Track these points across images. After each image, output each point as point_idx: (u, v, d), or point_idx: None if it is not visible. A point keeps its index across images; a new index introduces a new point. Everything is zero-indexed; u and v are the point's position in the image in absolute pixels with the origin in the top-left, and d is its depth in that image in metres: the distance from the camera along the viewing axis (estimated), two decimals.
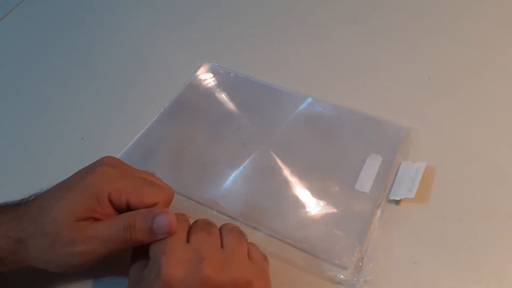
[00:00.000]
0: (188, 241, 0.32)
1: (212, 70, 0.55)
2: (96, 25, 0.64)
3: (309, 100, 0.50)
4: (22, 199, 0.35)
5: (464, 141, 0.46)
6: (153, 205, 0.34)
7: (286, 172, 0.44)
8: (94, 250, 0.32)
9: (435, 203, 0.41)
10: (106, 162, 0.36)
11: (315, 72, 0.54)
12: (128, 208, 0.34)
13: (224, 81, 0.53)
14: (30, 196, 0.35)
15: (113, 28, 0.63)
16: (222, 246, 0.33)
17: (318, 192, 0.42)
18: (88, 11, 0.66)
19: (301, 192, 0.43)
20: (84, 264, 0.33)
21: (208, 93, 0.52)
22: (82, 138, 0.50)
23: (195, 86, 0.53)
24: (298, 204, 0.42)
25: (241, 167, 0.45)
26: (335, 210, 0.41)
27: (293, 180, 0.44)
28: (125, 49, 0.60)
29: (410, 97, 0.50)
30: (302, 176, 0.44)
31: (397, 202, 0.41)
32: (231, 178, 0.44)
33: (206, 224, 0.34)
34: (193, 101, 0.52)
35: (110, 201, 0.34)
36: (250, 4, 0.64)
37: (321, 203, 0.42)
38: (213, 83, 0.53)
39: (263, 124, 0.49)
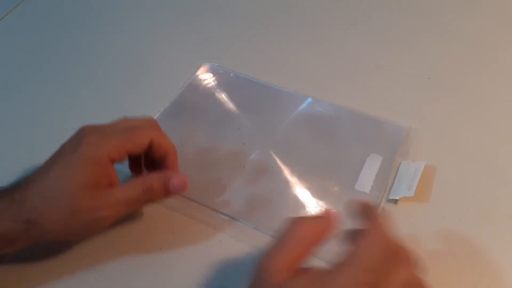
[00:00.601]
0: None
1: (212, 70, 0.55)
2: (96, 25, 0.64)
3: (309, 100, 0.50)
4: (10, 184, 0.35)
5: (464, 141, 0.46)
6: (150, 142, 0.37)
7: (286, 172, 0.44)
8: (117, 212, 0.35)
9: (435, 203, 0.41)
10: (87, 130, 0.37)
11: (315, 72, 0.54)
12: (129, 158, 0.38)
13: (224, 81, 0.53)
14: (19, 180, 0.35)
15: (113, 28, 0.63)
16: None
17: (318, 192, 0.42)
18: (88, 11, 0.66)
19: (301, 192, 0.43)
20: (105, 227, 0.36)
21: (208, 93, 0.52)
22: None
23: (195, 86, 0.53)
24: (298, 204, 0.42)
25: (241, 167, 0.45)
26: (335, 210, 0.41)
27: (293, 180, 0.43)
28: (125, 49, 0.60)
29: (410, 97, 0.50)
30: (302, 176, 0.44)
31: (397, 202, 0.41)
32: (231, 178, 0.44)
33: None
34: (193, 101, 0.52)
35: (112, 161, 0.36)
36: (250, 4, 0.64)
37: (321, 203, 0.42)
38: (213, 83, 0.53)
39: (263, 124, 0.49)
